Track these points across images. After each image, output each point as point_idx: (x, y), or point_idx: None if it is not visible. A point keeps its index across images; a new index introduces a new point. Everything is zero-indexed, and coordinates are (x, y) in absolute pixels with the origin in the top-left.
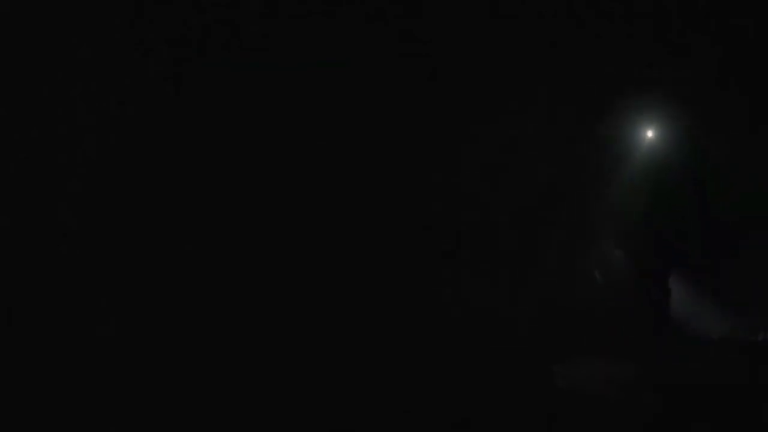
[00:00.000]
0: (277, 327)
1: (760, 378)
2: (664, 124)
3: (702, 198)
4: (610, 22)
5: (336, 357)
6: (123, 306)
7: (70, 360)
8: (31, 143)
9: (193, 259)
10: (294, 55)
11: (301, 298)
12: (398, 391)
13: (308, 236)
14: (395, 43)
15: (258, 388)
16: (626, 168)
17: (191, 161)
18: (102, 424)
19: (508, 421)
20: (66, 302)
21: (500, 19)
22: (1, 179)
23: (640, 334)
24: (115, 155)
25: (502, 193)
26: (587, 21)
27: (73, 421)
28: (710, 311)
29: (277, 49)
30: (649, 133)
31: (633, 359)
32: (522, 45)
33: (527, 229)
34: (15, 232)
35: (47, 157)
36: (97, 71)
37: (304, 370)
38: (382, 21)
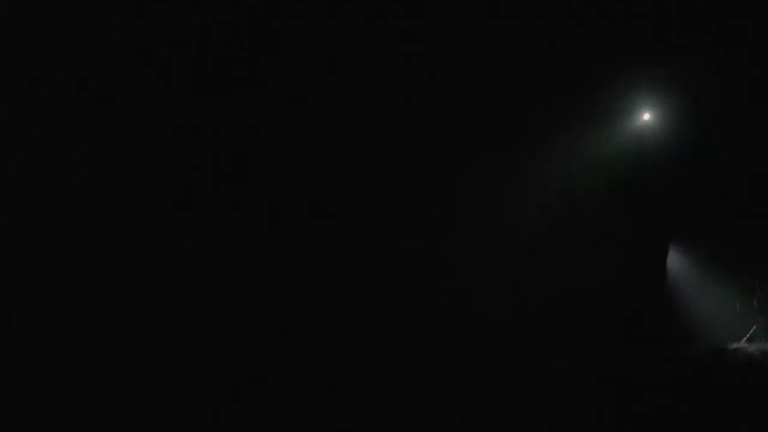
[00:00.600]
0: (276, 326)
1: (759, 379)
2: (663, 123)
3: (702, 197)
4: (610, 22)
5: (335, 357)
6: (123, 306)
7: (70, 360)
8: (31, 143)
9: (193, 259)
10: (294, 55)
11: (301, 298)
12: (398, 391)
13: (308, 236)
14: (395, 43)
15: (258, 387)
16: (625, 167)
17: (192, 161)
18: (102, 424)
19: (508, 421)
20: (66, 302)
21: (500, 19)
22: (1, 179)
23: (640, 334)
24: (115, 155)
25: (502, 194)
26: (587, 21)
27: (73, 421)
28: (710, 311)
29: (277, 49)
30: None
31: (632, 359)
32: (522, 45)
33: (528, 229)
34: (15, 232)
35: (47, 157)
36: (97, 71)
37: (303, 369)
38: (382, 21)
